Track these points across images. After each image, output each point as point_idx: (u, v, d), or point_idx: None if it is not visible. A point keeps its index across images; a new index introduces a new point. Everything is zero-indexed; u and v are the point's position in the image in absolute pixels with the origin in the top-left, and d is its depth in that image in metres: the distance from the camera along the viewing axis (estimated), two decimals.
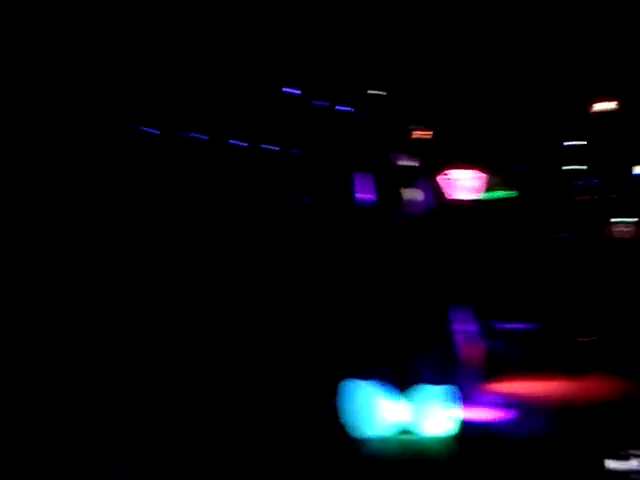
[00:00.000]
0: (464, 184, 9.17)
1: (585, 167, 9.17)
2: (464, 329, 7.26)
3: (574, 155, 9.20)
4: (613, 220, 8.85)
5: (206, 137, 8.25)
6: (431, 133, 9.11)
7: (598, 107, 9.14)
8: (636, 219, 8.73)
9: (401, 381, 5.66)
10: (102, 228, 7.41)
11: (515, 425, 5.74)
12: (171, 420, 5.97)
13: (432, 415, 5.50)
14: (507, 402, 6.19)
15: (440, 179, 9.14)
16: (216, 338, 7.26)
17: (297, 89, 8.61)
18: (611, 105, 9.07)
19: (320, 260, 8.06)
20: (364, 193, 8.67)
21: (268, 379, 6.72)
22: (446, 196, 9.13)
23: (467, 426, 5.65)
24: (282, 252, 8.07)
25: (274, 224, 8.35)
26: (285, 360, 7.03)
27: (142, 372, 6.63)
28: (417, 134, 9.11)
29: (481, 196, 9.14)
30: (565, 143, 9.18)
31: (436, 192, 8.99)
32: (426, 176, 8.98)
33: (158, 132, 8.05)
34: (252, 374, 6.82)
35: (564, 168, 9.22)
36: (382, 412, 5.41)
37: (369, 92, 8.88)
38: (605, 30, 8.34)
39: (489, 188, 9.14)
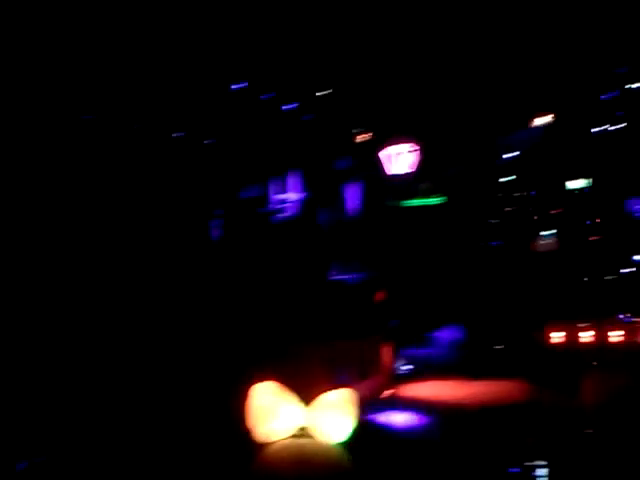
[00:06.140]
0: (401, 159, 9.61)
1: (518, 178, 9.59)
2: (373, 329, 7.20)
3: (508, 167, 9.64)
4: (542, 233, 9.28)
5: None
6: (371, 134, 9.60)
7: (536, 121, 9.60)
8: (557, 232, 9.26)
9: (299, 383, 5.23)
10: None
11: (421, 430, 5.80)
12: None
13: (330, 420, 5.10)
14: (416, 407, 6.24)
15: (380, 155, 9.60)
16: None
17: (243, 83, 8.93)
18: (547, 119, 9.54)
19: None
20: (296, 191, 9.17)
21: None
22: (385, 172, 9.59)
23: (369, 431, 5.52)
24: None
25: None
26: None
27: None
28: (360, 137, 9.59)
29: (414, 202, 9.59)
30: (503, 156, 9.69)
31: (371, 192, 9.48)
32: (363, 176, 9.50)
33: None
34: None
35: (499, 179, 9.71)
36: (280, 416, 5.09)
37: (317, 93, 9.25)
38: (542, 46, 8.74)
39: (421, 194, 9.59)
